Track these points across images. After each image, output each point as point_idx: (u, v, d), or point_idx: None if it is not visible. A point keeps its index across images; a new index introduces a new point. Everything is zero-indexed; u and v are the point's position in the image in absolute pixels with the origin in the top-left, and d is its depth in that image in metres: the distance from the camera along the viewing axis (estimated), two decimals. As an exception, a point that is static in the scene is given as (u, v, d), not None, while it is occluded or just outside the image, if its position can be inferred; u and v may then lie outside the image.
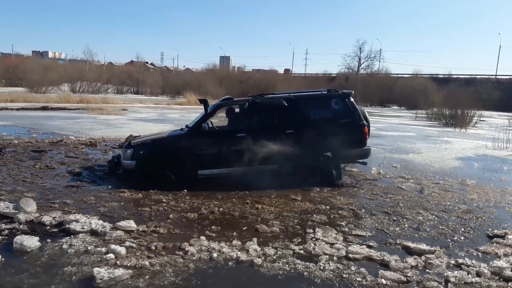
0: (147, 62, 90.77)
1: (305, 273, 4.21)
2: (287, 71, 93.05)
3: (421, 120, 30.74)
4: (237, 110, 8.46)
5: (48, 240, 4.73)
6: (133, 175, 7.65)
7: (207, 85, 38.99)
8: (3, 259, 4.21)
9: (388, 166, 10.74)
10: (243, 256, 4.50)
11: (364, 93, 54.42)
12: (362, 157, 8.40)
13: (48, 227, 5.13)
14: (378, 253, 4.77)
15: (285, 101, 8.04)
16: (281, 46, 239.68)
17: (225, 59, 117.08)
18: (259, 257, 4.50)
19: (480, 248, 5.11)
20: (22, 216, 5.32)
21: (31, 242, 4.57)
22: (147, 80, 50.33)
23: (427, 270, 4.41)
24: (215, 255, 4.50)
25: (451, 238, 5.45)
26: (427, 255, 4.76)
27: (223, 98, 8.87)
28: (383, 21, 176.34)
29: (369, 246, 4.97)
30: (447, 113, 27.41)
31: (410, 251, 4.92)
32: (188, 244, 4.75)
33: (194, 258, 4.44)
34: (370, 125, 8.85)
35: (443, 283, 4.11)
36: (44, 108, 23.29)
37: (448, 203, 7.17)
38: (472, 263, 4.60)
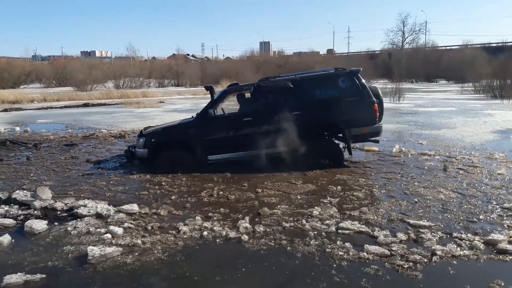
0: (188, 54, 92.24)
1: (288, 248, 4.31)
2: (329, 51, 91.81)
3: (468, 93, 29.56)
4: (247, 95, 8.54)
5: (56, 223, 5.11)
6: (147, 163, 7.99)
7: (244, 72, 39.13)
8: (13, 240, 4.61)
9: (413, 143, 10.54)
10: (232, 234, 4.66)
11: (410, 69, 52.79)
12: (373, 135, 8.22)
13: (59, 212, 5.51)
14: (369, 228, 4.77)
15: (290, 83, 8.00)
16: (321, 27, 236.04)
17: (265, 45, 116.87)
18: (247, 234, 4.64)
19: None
20: (37, 203, 5.73)
21: (40, 225, 4.95)
22: (187, 72, 51.20)
23: (417, 244, 4.37)
24: (205, 233, 4.69)
25: (463, 217, 5.32)
26: (421, 230, 4.72)
27: (229, 84, 9.00)
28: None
29: (365, 222, 4.98)
30: (495, 84, 26.12)
31: (409, 226, 4.87)
32: (183, 224, 4.96)
33: (185, 236, 4.65)
34: (384, 102, 8.66)
35: (428, 256, 4.07)
36: (85, 105, 24.34)
37: (472, 180, 6.83)
38: (467, 236, 4.51)
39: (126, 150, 8.67)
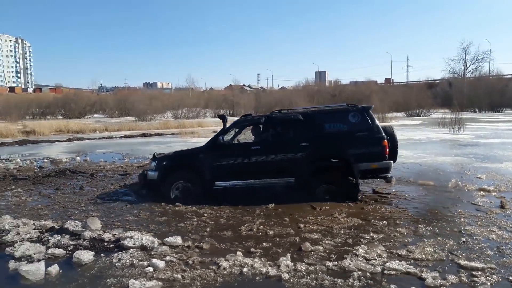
0: (244, 85, 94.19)
1: (330, 289, 4.16)
2: (387, 80, 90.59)
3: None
4: (261, 126, 8.67)
5: (102, 254, 5.24)
6: (156, 186, 8.28)
7: (297, 102, 39.24)
8: (60, 271, 4.76)
9: (471, 177, 10.01)
10: (272, 271, 4.57)
11: (472, 98, 50.72)
12: (382, 172, 8.04)
13: (106, 243, 5.66)
14: (417, 269, 4.53)
15: (300, 116, 8.16)
16: (379, 56, 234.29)
17: (320, 74, 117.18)
18: (288, 273, 4.53)
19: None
20: (87, 234, 5.92)
21: (87, 256, 5.09)
22: (241, 102, 52.05)
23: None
24: (245, 269, 4.63)
25: None
26: (473, 272, 4.42)
27: (243, 115, 9.35)
28: (491, 19, 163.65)
29: (412, 262, 4.74)
30: None
31: (460, 268, 4.59)
32: (224, 259, 4.93)
33: (225, 272, 4.62)
34: (399, 139, 8.71)
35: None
36: (143, 135, 25.30)
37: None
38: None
39: (140, 174, 8.97)
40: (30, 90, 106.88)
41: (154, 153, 8.88)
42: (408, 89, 55.66)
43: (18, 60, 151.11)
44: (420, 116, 44.84)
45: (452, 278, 4.28)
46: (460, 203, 7.61)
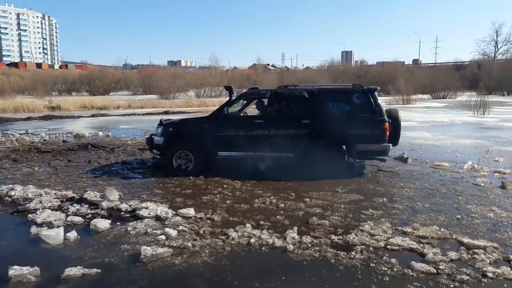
0: (268, 64, 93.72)
1: (332, 260, 4.31)
2: (415, 61, 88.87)
3: None
4: (265, 101, 8.89)
5: (118, 223, 5.50)
6: (161, 150, 8.67)
7: (321, 82, 39.04)
8: (78, 237, 5.04)
9: (489, 160, 9.94)
10: (278, 243, 4.74)
11: (501, 81, 49.29)
12: (380, 154, 8.18)
13: (122, 213, 5.92)
14: (420, 245, 4.63)
15: (306, 93, 8.29)
16: (407, 36, 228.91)
17: (347, 54, 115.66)
18: (293, 244, 4.69)
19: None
20: (105, 204, 6.18)
21: (103, 224, 5.36)
22: (264, 81, 51.88)
23: (468, 264, 4.18)
24: (253, 240, 4.82)
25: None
26: (475, 250, 4.49)
27: (249, 88, 9.72)
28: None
29: (416, 239, 4.84)
30: None
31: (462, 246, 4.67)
32: (233, 230, 5.12)
33: (233, 242, 4.81)
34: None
35: (478, 277, 3.88)
36: (165, 112, 25.61)
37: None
38: (526, 259, 4.24)
39: (148, 137, 9.23)
40: (56, 66, 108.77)
41: (161, 119, 9.12)
42: (435, 71, 54.56)
43: (44, 37, 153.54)
44: (446, 98, 44.07)
45: (452, 255, 4.37)
46: (463, 182, 7.71)
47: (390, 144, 8.15)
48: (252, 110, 9.75)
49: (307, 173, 7.87)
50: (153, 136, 8.86)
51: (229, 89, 8.96)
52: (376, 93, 8.21)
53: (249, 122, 8.57)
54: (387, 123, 7.96)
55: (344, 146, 8.15)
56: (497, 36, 69.18)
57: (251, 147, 8.12)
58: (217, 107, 8.97)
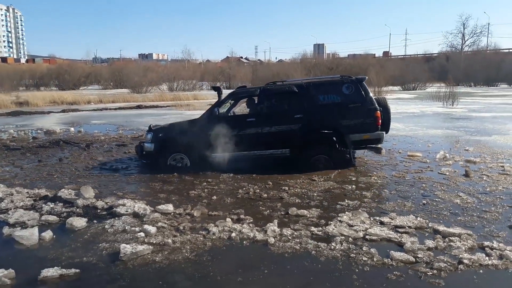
0: (241, 57, 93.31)
1: (313, 252, 4.35)
2: (385, 53, 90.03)
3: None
4: (255, 98, 8.78)
5: (95, 221, 5.39)
6: (152, 158, 8.43)
7: (294, 75, 39.07)
8: (54, 236, 4.92)
9: (459, 149, 10.19)
10: (259, 236, 4.74)
11: (468, 72, 50.61)
12: (374, 142, 8.28)
13: (99, 211, 5.81)
14: (398, 235, 4.72)
15: (295, 87, 8.29)
16: (378, 29, 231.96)
17: (319, 47, 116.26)
18: (274, 237, 4.71)
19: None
20: (80, 202, 6.06)
21: (80, 222, 5.25)
22: (238, 75, 51.69)
23: (445, 252, 4.28)
24: (233, 234, 4.81)
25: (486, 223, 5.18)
26: (450, 238, 4.60)
27: (238, 87, 9.56)
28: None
29: (393, 228, 4.92)
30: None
31: (438, 235, 4.78)
32: (213, 225, 5.09)
33: (214, 237, 4.79)
34: (392, 112, 9.12)
35: (454, 264, 3.99)
36: (138, 107, 25.25)
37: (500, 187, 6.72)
38: (499, 246, 4.36)
39: (137, 145, 9.08)
40: (22, 60, 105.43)
41: (150, 125, 8.92)
42: (405, 63, 55.44)
43: (9, 30, 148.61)
44: (416, 90, 44.86)
45: (429, 243, 4.47)
46: (429, 171, 7.97)
47: (383, 132, 8.25)
48: (243, 109, 9.62)
49: (302, 168, 7.92)
50: (143, 144, 8.66)
51: (217, 89, 8.78)
52: (364, 83, 8.27)
53: (241, 121, 8.44)
54: (378, 111, 8.02)
55: (338, 137, 8.12)
56: (464, 29, 70.95)
57: (245, 147, 8.04)
58: (207, 109, 8.81)
